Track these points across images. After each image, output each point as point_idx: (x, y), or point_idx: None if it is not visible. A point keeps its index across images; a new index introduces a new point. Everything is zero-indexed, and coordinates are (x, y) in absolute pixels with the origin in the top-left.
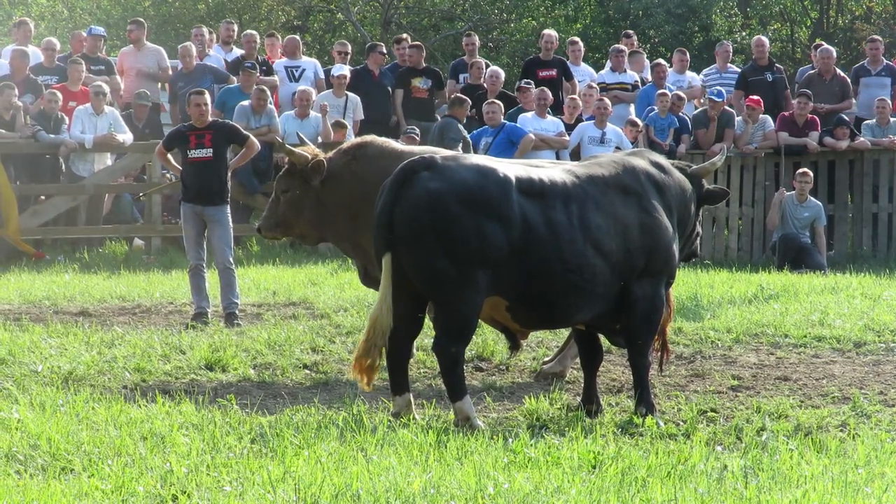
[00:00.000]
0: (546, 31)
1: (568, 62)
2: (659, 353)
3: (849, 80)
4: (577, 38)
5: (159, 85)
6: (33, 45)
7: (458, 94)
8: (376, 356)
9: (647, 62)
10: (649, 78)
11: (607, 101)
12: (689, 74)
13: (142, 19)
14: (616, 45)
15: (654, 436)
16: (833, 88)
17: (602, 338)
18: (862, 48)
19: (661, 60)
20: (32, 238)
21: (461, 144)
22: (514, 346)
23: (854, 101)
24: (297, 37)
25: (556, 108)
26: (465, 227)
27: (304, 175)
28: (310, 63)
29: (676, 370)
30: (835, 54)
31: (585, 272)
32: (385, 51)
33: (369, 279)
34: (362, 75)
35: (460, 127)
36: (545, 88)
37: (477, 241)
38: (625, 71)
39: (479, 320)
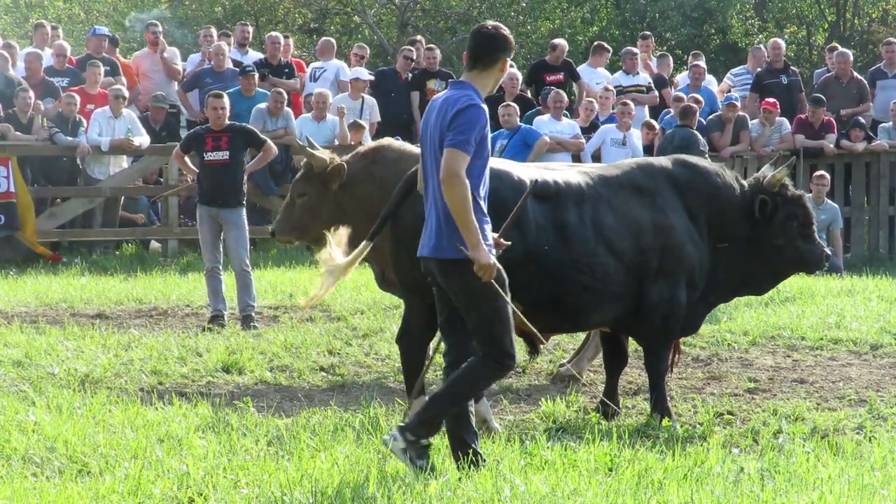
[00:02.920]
0: (558, 41)
1: (586, 64)
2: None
3: (866, 83)
4: (606, 45)
5: (175, 87)
6: (51, 48)
7: (689, 104)
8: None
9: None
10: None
11: (631, 103)
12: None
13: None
14: (628, 48)
15: (670, 438)
16: (850, 91)
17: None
18: (878, 51)
19: (700, 62)
20: (49, 241)
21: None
22: (534, 351)
23: (871, 103)
24: (332, 39)
25: (568, 110)
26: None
27: (321, 178)
28: (333, 65)
29: (693, 372)
30: (851, 57)
31: (597, 272)
32: (414, 56)
33: (386, 283)
34: (388, 76)
35: (700, 138)
36: (561, 91)
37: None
38: (638, 73)
39: None
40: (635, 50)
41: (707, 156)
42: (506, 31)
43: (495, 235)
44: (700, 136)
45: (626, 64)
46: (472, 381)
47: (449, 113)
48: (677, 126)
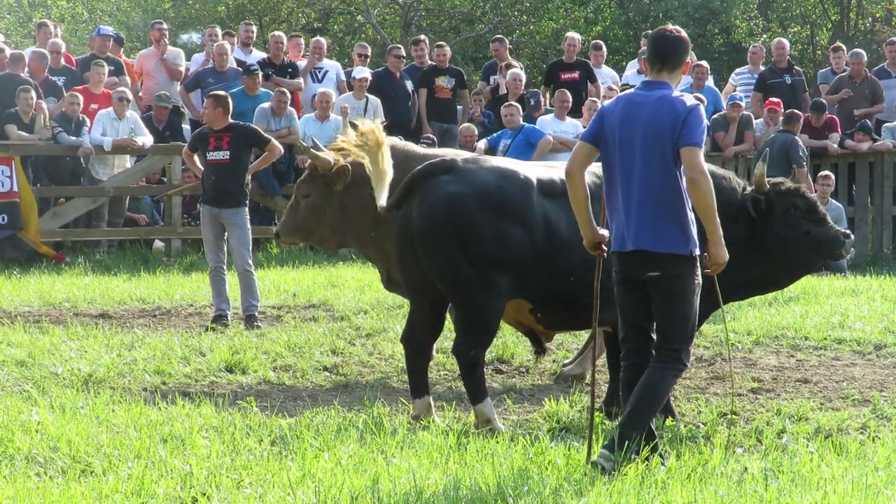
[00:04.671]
0: (569, 34)
1: (590, 63)
2: None
3: (879, 83)
4: (601, 42)
5: (178, 88)
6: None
7: (794, 111)
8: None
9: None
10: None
11: None
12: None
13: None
14: (645, 48)
15: (673, 438)
16: (864, 91)
17: None
18: (882, 51)
19: (703, 63)
20: (52, 240)
21: (806, 161)
22: (540, 350)
23: (884, 104)
24: (323, 39)
25: (579, 111)
26: (486, 231)
27: (326, 180)
28: (332, 65)
29: (696, 372)
30: (865, 57)
31: (607, 271)
32: (403, 54)
33: (392, 283)
34: (384, 78)
35: (800, 144)
36: (565, 90)
37: (497, 245)
38: None
39: (503, 323)
40: None
41: (806, 162)
42: (685, 33)
43: None
44: (800, 142)
45: (643, 64)
46: (659, 391)
47: (679, 112)
48: (779, 131)
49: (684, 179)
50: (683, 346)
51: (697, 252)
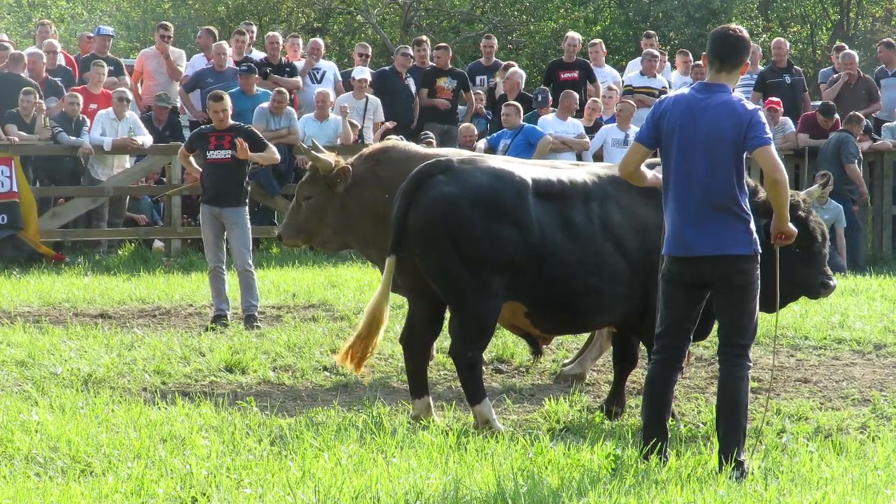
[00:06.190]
0: (569, 34)
1: (590, 63)
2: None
3: (874, 81)
4: (597, 40)
5: (178, 87)
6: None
7: (856, 112)
8: (367, 351)
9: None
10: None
11: (632, 101)
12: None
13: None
14: (649, 50)
15: (673, 438)
16: (859, 92)
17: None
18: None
19: (700, 62)
20: (52, 240)
21: (857, 160)
22: (537, 352)
23: (881, 102)
24: (320, 39)
25: (580, 111)
26: (479, 231)
27: (327, 181)
28: (329, 66)
29: (696, 372)
30: (857, 58)
31: (605, 273)
32: (412, 53)
33: (394, 285)
34: (390, 76)
35: (857, 144)
36: (573, 93)
37: (492, 246)
38: (655, 76)
39: (500, 326)
40: (656, 53)
41: (857, 160)
42: (746, 33)
43: None
44: (853, 140)
45: (645, 65)
46: (741, 393)
47: (742, 117)
48: (839, 131)
49: (743, 179)
50: (750, 342)
51: (760, 249)
